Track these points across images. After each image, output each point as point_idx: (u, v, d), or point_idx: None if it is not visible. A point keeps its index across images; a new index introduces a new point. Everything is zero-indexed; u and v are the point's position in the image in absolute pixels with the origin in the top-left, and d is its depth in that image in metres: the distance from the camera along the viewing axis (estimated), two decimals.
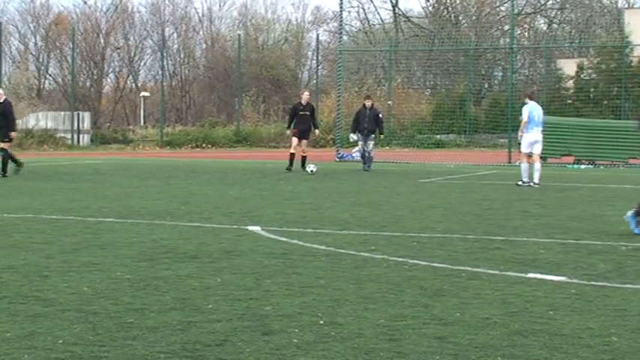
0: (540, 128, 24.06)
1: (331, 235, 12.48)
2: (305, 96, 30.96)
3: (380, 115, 32.18)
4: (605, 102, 51.06)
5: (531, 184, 23.50)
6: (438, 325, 6.94)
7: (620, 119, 43.35)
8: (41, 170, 30.51)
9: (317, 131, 31.01)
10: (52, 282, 8.73)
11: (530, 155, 23.98)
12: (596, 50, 59.48)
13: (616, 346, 6.40)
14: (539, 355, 6.13)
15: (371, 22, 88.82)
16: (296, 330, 6.75)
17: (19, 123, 64.24)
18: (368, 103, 31.95)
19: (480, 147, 53.29)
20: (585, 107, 49.48)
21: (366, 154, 31.60)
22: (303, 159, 29.82)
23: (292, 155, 29.79)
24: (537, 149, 23.97)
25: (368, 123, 31.23)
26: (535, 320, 7.17)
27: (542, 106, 25.19)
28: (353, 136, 32.88)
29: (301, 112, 29.74)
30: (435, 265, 9.91)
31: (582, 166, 36.13)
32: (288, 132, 31.26)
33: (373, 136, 31.62)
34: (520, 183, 23.66)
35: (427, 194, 21.28)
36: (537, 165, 23.89)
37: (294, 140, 30.08)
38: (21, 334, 6.62)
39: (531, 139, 23.87)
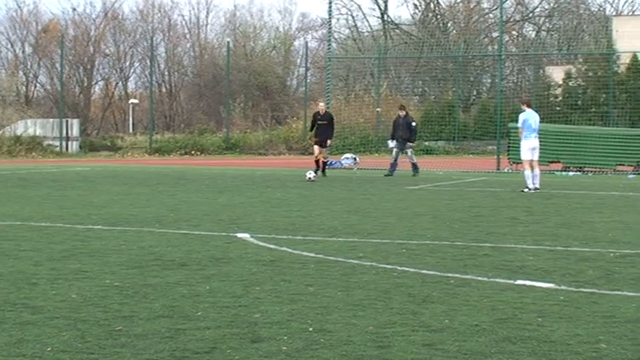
0: (537, 135, 24.31)
1: (320, 243, 12.48)
2: (321, 107, 32.36)
3: (413, 124, 33.06)
4: (593, 109, 51.24)
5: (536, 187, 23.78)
6: (427, 332, 6.94)
7: (607, 126, 43.42)
8: (30, 177, 30.41)
9: (329, 141, 31.68)
10: (40, 289, 8.71)
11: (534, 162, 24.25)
12: (584, 57, 59.59)
13: (605, 352, 6.40)
14: None
15: (359, 29, 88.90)
16: (285, 337, 6.74)
17: (8, 130, 64.42)
18: (402, 113, 33.50)
19: (468, 154, 53.37)
20: (573, 114, 49.70)
21: (411, 162, 32.82)
22: (323, 165, 31.18)
23: (317, 161, 30.95)
24: (536, 155, 24.23)
25: (402, 131, 32.64)
26: (524, 327, 7.17)
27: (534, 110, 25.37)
28: (391, 143, 33.66)
29: (319, 122, 31.21)
30: (423, 272, 9.92)
31: (570, 173, 36.20)
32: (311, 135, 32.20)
33: (409, 144, 32.70)
34: (526, 190, 23.73)
35: (416, 201, 21.29)
36: (537, 170, 24.21)
37: (316, 148, 31.35)
38: (9, 341, 6.60)
39: (530, 145, 24.15)
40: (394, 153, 32.93)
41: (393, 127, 33.46)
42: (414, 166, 32.58)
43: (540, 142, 25.09)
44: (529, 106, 24.92)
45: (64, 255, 11.08)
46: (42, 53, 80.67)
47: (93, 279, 9.30)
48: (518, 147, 25.36)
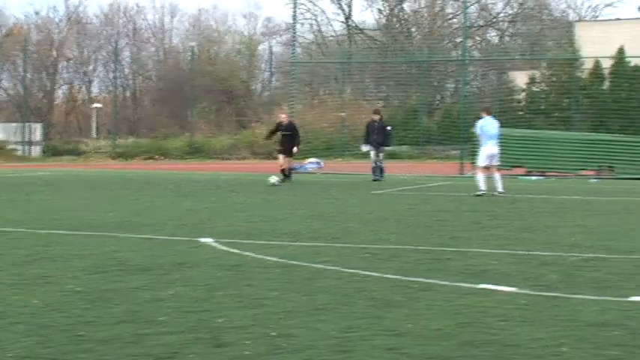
0: (495, 141, 24.48)
1: (283, 247, 12.48)
2: (283, 117, 32.43)
3: (388, 128, 33.31)
4: (556, 114, 51.53)
5: (495, 193, 23.86)
6: (390, 336, 6.96)
7: (570, 131, 43.71)
8: None
9: (295, 149, 31.76)
10: (2, 295, 8.65)
11: (487, 168, 24.43)
12: (548, 63, 59.96)
13: (566, 356, 6.46)
14: None
15: (324, 33, 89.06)
16: (248, 342, 6.73)
17: None
18: (377, 117, 33.70)
19: (432, 158, 53.58)
20: (536, 119, 49.95)
21: (378, 165, 33.19)
22: (289, 170, 31.47)
23: (283, 170, 31.05)
24: (494, 161, 24.49)
25: (377, 135, 32.85)
26: (486, 331, 7.20)
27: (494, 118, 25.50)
28: (364, 148, 33.82)
29: (283, 133, 31.30)
30: (386, 276, 9.93)
31: (533, 178, 36.39)
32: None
33: (385, 148, 33.08)
34: (479, 193, 23.88)
35: (380, 206, 21.35)
36: (497, 175, 24.45)
37: (281, 157, 31.43)
38: None
39: (487, 152, 24.35)
40: (372, 156, 33.14)
41: (367, 132, 33.50)
42: (381, 170, 32.74)
43: (503, 147, 25.35)
44: (489, 113, 25.14)
45: (26, 260, 11.01)
46: (4, 57, 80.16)
47: (55, 284, 9.24)
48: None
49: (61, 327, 7.20)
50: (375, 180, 32.14)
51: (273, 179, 28.78)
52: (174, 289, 9.00)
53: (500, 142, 25.18)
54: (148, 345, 6.63)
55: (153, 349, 6.49)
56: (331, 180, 33.29)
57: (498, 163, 24.93)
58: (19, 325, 7.28)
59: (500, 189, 24.09)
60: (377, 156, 32.80)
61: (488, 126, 24.60)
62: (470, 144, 37.10)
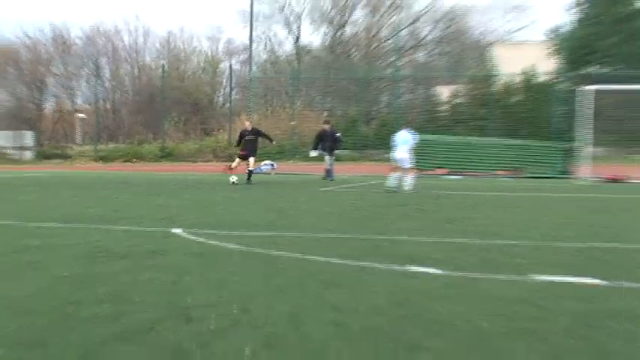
0: (403, 147, 25.29)
1: (244, 237, 12.46)
2: (247, 124, 31.86)
3: (338, 135, 33.47)
4: (474, 122, 51.90)
5: (404, 189, 24.94)
6: (335, 312, 7.01)
7: (486, 137, 44.03)
8: None
9: (274, 142, 31.99)
10: None
11: (400, 168, 25.84)
12: (468, 79, 60.41)
13: (484, 328, 6.54)
14: (420, 338, 6.23)
15: (277, 53, 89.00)
16: (213, 318, 6.76)
17: None
18: (327, 126, 33.95)
19: (369, 160, 53.72)
20: (457, 127, 50.28)
21: (328, 168, 33.44)
22: (250, 173, 30.68)
23: (232, 169, 30.77)
24: (402, 164, 25.81)
25: (329, 142, 33.32)
26: (416, 307, 7.27)
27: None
28: (313, 153, 33.75)
29: (248, 137, 30.85)
30: (331, 260, 9.96)
31: (454, 177, 36.61)
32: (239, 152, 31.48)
33: (335, 151, 33.35)
34: (387, 189, 25.19)
35: (325, 201, 21.38)
36: (405, 176, 25.57)
37: (237, 160, 31.10)
38: None
39: (397, 156, 25.89)
40: (326, 160, 33.21)
41: (318, 139, 33.57)
42: (329, 172, 32.82)
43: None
44: (408, 126, 26.40)
45: (18, 249, 10.92)
46: None
47: (45, 270, 9.17)
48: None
49: (51, 307, 7.18)
50: (330, 180, 32.18)
51: (233, 179, 28.73)
52: (149, 273, 8.98)
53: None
54: (126, 322, 6.63)
55: (131, 326, 6.50)
56: (283, 179, 33.25)
57: (406, 167, 25.52)
58: (13, 306, 7.25)
59: (407, 187, 25.14)
60: (330, 159, 32.95)
61: (397, 136, 25.96)
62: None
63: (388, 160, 34.71)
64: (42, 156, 62.65)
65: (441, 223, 15.25)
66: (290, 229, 13.76)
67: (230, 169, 30.56)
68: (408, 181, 25.36)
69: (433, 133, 41.13)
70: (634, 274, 9.08)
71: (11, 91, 79.39)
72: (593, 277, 8.76)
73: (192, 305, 7.26)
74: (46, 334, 6.20)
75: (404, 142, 25.63)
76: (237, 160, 31.10)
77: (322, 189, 26.54)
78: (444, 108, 58.84)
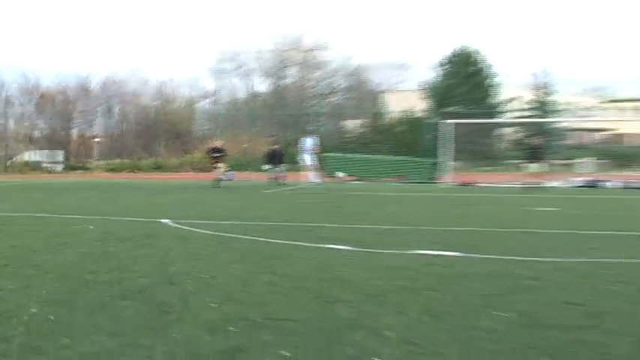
0: (308, 152, 26.10)
1: (216, 225, 12.34)
2: (217, 143, 31.27)
3: (282, 152, 32.73)
4: (372, 145, 52.30)
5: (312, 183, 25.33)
6: (273, 276, 6.94)
7: (380, 154, 44.31)
8: (33, 187, 29.23)
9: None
10: (39, 255, 8.36)
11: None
12: (368, 115, 60.93)
13: (380, 286, 6.53)
14: (336, 294, 6.20)
15: (236, 96, 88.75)
16: (190, 282, 6.65)
17: (19, 157, 62.07)
18: (276, 147, 33.07)
19: (299, 170, 53.75)
20: (361, 148, 50.62)
21: (281, 175, 32.18)
22: (219, 180, 29.76)
23: (218, 179, 29.77)
24: (308, 165, 26.69)
25: (278, 158, 32.27)
26: (333, 273, 7.23)
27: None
28: (265, 166, 33.08)
29: (217, 154, 30.01)
30: (272, 240, 9.90)
31: (359, 182, 36.79)
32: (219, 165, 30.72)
33: (282, 165, 32.35)
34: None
35: (268, 200, 21.34)
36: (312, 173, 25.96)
37: (222, 167, 30.28)
38: (19, 286, 6.35)
39: (305, 160, 27.21)
40: (273, 172, 32.32)
41: (269, 156, 32.54)
42: (278, 179, 31.99)
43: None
44: (311, 135, 27.37)
45: (55, 233, 10.66)
46: (40, 110, 77.90)
47: (73, 248, 8.96)
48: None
49: (76, 275, 7.01)
50: (283, 184, 31.34)
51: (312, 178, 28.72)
52: (144, 250, 8.82)
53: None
54: (128, 285, 6.49)
55: (131, 287, 6.36)
56: (240, 185, 33.05)
57: (310, 165, 26.22)
58: (50, 274, 7.05)
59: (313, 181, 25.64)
60: (280, 169, 32.22)
61: (304, 143, 26.64)
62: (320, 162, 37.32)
63: (313, 169, 34.65)
64: (69, 168, 61.61)
65: (349, 215, 15.30)
66: (244, 220, 13.67)
67: (218, 177, 29.69)
68: (312, 177, 25.43)
69: (343, 152, 41.32)
70: (484, 249, 9.20)
71: (48, 122, 77.89)
72: (455, 250, 8.85)
73: (175, 273, 7.13)
74: (72, 295, 6.03)
75: (308, 148, 25.63)
76: (222, 167, 30.13)
77: (267, 191, 26.45)
78: (352, 135, 59.21)
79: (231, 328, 5.00)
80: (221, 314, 5.42)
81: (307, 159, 25.11)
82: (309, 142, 31.70)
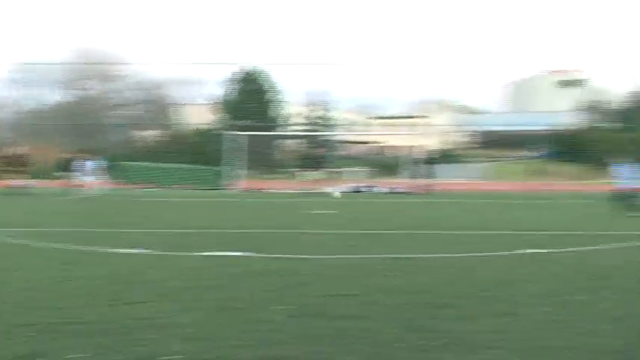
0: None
1: (8, 232, 11.33)
2: (20, 151, 28.77)
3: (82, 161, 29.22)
4: (168, 154, 50.61)
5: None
6: (70, 282, 6.62)
7: (175, 164, 43.03)
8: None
9: None
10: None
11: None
12: (164, 126, 59.48)
13: (176, 285, 6.48)
14: (132, 296, 6.12)
15: (40, 105, 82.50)
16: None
17: None
18: (73, 156, 28.36)
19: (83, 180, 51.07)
20: (158, 157, 48.71)
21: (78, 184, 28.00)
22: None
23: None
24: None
25: (75, 166, 27.44)
26: (128, 277, 7.09)
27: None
28: (62, 174, 29.43)
29: None
30: (67, 247, 9.37)
31: (152, 189, 35.70)
32: None
33: (79, 173, 27.38)
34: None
35: (65, 206, 20.08)
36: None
37: None
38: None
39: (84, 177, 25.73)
40: (68, 179, 29.29)
41: (65, 164, 29.38)
42: (70, 188, 29.16)
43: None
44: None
45: None
46: None
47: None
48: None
49: None
50: (77, 192, 28.29)
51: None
52: None
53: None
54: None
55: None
56: (39, 192, 30.69)
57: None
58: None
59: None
60: (78, 178, 29.06)
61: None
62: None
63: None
64: None
65: (147, 219, 14.79)
66: (40, 227, 12.74)
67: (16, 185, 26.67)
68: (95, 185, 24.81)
69: (140, 162, 39.83)
70: (269, 249, 9.40)
71: None
72: (249, 251, 8.96)
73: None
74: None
75: (88, 169, 25.49)
76: None
77: (62, 198, 24.77)
78: (146, 144, 57.45)
79: (31, 334, 4.78)
80: (15, 319, 5.14)
81: (89, 178, 24.04)
82: (88, 165, 28.02)
